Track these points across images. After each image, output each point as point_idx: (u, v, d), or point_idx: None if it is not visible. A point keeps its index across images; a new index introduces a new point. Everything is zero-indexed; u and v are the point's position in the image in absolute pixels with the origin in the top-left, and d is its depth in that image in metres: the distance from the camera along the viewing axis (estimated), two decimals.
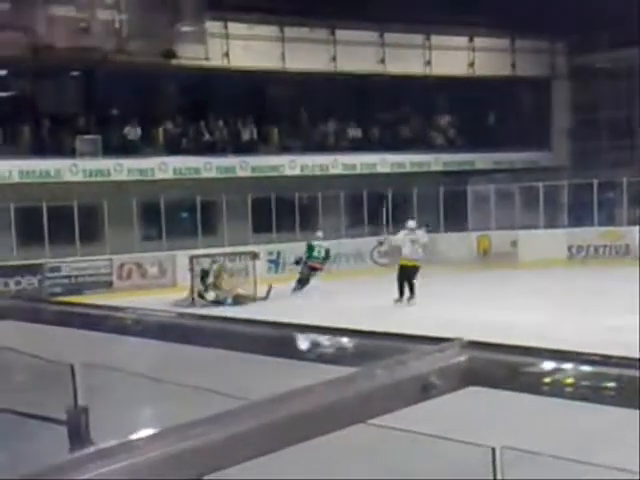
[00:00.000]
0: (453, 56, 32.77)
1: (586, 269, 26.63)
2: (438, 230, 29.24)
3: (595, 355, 1.70)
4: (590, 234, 28.81)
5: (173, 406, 2.33)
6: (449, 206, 30.21)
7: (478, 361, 1.71)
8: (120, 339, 2.53)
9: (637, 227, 28.13)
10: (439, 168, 31.46)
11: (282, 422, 1.48)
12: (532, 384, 1.68)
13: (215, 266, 23.19)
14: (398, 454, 1.89)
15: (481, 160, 32.06)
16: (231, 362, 2.22)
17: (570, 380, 1.66)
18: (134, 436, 1.36)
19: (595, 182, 29.22)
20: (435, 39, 32.54)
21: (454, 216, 29.83)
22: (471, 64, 33.23)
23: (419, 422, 1.77)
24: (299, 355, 2.03)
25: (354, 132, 31.37)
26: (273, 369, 2.11)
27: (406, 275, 21.31)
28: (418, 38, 32.25)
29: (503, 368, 1.71)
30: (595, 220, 29.16)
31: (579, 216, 29.52)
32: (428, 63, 32.45)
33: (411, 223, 22.44)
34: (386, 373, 1.63)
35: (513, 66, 33.97)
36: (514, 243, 29.04)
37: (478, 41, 33.27)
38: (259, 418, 1.46)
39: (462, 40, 33.05)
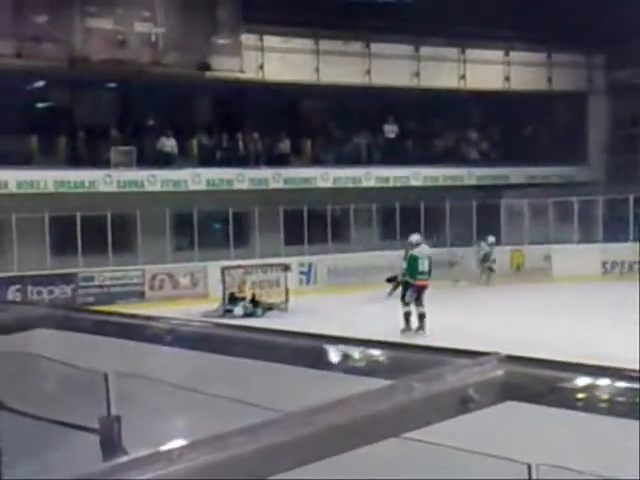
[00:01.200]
0: (488, 70, 32.69)
1: (621, 285, 26.33)
2: (471, 244, 29.13)
3: (634, 371, 1.64)
4: (625, 250, 28.56)
5: (205, 417, 2.32)
6: (482, 220, 30.06)
7: (516, 375, 1.68)
8: (154, 348, 2.53)
9: None
10: (472, 182, 31.37)
11: (316, 434, 1.46)
12: (570, 399, 1.63)
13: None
14: (432, 469, 1.86)
15: (515, 174, 31.92)
16: (264, 373, 2.21)
17: (608, 396, 1.61)
18: (166, 446, 1.34)
19: (631, 197, 29.01)
20: (470, 53, 32.49)
21: (487, 230, 29.65)
22: (507, 78, 33.12)
23: (453, 437, 1.73)
24: (333, 367, 1.99)
25: (389, 140, 31.30)
26: (306, 381, 2.09)
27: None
28: (453, 52, 32.20)
29: (541, 383, 1.67)
30: (630, 236, 28.87)
31: (614, 231, 29.25)
32: (463, 77, 32.39)
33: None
34: (423, 386, 1.61)
35: (549, 80, 33.82)
36: (547, 258, 28.84)
37: (514, 55, 33.17)
38: (294, 430, 1.44)
39: (497, 54, 32.98)
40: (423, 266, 18.77)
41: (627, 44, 30.44)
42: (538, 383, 1.67)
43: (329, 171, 29.41)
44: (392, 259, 28.64)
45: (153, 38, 27.88)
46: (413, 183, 30.36)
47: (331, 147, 30.52)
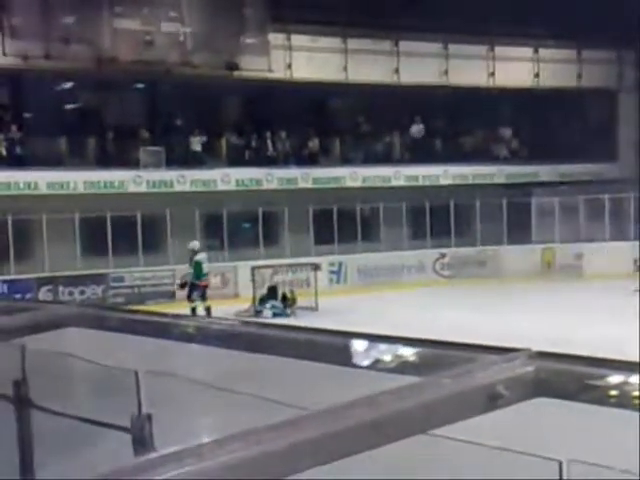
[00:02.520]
0: (517, 67, 32.50)
1: None
2: (502, 242, 29.02)
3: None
4: None
5: (235, 414, 2.32)
6: (512, 218, 29.92)
7: (546, 372, 1.69)
8: (184, 347, 2.53)
9: None
10: (502, 180, 31.18)
11: (346, 431, 1.47)
12: (600, 396, 1.65)
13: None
14: (462, 466, 1.85)
15: (545, 172, 31.71)
16: (295, 371, 2.20)
17: (638, 392, 1.62)
18: (197, 443, 1.36)
19: None
20: (499, 50, 32.31)
21: (518, 228, 29.52)
22: (536, 75, 32.91)
23: (484, 433, 1.72)
24: (363, 365, 2.01)
25: (416, 140, 31.24)
26: (336, 378, 2.09)
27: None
28: (482, 49, 32.04)
29: (571, 379, 1.69)
30: None
31: None
32: (492, 74, 32.22)
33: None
34: (453, 382, 1.62)
35: (579, 77, 33.57)
36: (579, 256, 28.63)
37: (543, 52, 32.95)
38: (324, 426, 1.45)
39: (527, 51, 32.77)
40: (204, 269, 22.01)
41: None
42: (568, 379, 1.68)
43: (358, 170, 29.37)
44: (422, 258, 28.77)
45: (181, 38, 27.94)
46: (442, 182, 30.26)
47: (360, 146, 30.47)
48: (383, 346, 2.03)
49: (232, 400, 2.34)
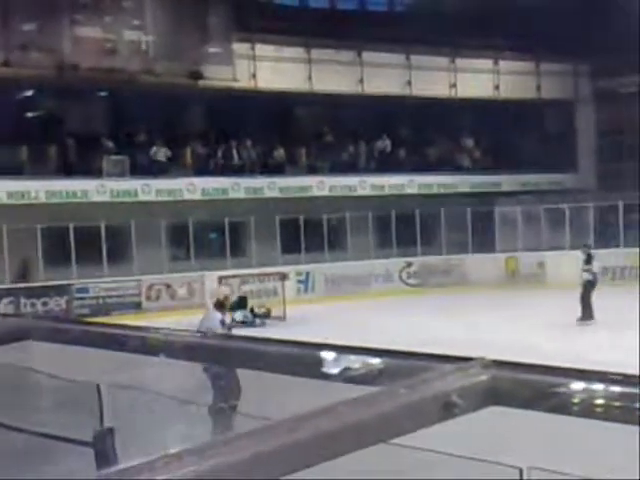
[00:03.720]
0: (478, 79, 32.84)
1: (613, 290, 26.34)
2: (467, 251, 29.20)
3: (622, 375, 1.66)
4: (616, 256, 28.55)
5: (197, 427, 2.31)
6: (477, 227, 30.13)
7: (500, 380, 1.69)
8: (147, 359, 2.51)
9: None
10: (466, 189, 31.39)
11: (305, 442, 1.47)
12: (556, 404, 1.65)
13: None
14: (424, 475, 1.86)
15: (507, 182, 32.02)
16: (257, 382, 2.20)
17: (595, 400, 1.63)
18: (156, 456, 1.34)
19: (621, 204, 29.04)
20: (460, 62, 32.62)
21: (482, 237, 29.75)
22: (496, 87, 33.25)
23: (444, 442, 1.74)
24: (323, 375, 2.00)
25: (383, 152, 31.36)
26: (297, 389, 2.08)
27: None
28: (444, 61, 32.30)
29: (526, 387, 1.69)
30: (621, 242, 28.92)
31: (605, 238, 29.27)
32: (454, 86, 32.49)
33: None
34: (408, 392, 1.62)
35: (538, 89, 33.98)
36: (541, 264, 28.87)
37: (503, 64, 33.33)
38: (282, 438, 1.45)
39: (487, 63, 33.11)
40: None
41: (612, 53, 30.53)
42: (523, 388, 1.67)
43: (324, 179, 29.42)
44: (389, 266, 28.86)
45: (143, 46, 27.92)
46: (408, 191, 30.39)
47: (326, 155, 30.52)
48: (343, 356, 2.02)
49: (194, 412, 2.33)
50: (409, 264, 28.81)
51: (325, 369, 1.99)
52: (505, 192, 31.39)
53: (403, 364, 1.86)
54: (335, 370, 1.96)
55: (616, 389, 1.61)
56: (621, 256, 28.46)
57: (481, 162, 32.69)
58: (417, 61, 31.74)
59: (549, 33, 28.67)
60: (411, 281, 28.76)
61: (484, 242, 29.65)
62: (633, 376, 1.63)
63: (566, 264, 28.02)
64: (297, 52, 30.33)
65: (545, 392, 1.64)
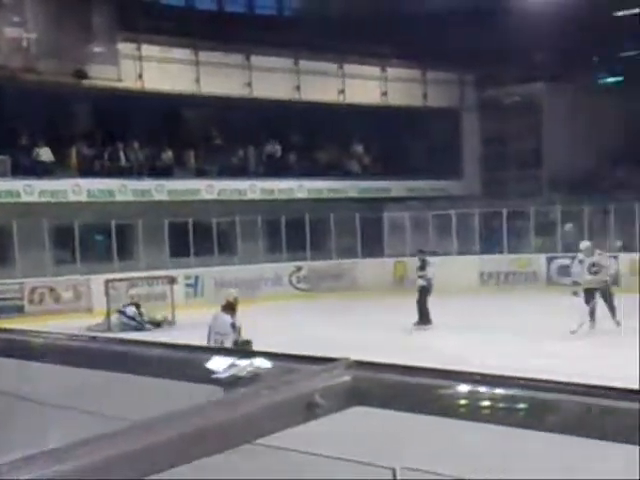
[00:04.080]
0: (366, 85, 33.20)
1: (497, 295, 27.02)
2: (356, 256, 29.39)
3: (489, 376, 1.68)
4: (500, 261, 29.32)
5: (68, 431, 2.22)
6: (366, 232, 30.39)
7: (363, 380, 1.71)
8: (23, 364, 2.43)
9: (544, 255, 28.79)
10: (355, 195, 31.66)
11: (166, 443, 1.45)
12: (419, 403, 1.65)
13: None
14: (294, 476, 1.85)
15: (395, 188, 32.45)
16: (141, 385, 2.11)
17: (460, 400, 1.64)
18: (14, 459, 1.33)
19: (504, 211, 29.77)
20: (348, 68, 32.88)
21: (371, 242, 30.03)
22: (384, 94, 33.70)
23: (312, 443, 1.73)
24: (192, 377, 2.01)
25: (272, 157, 31.32)
26: (171, 392, 2.04)
27: None
28: (332, 67, 32.52)
29: (389, 388, 1.69)
30: (505, 248, 29.68)
31: (490, 243, 30.03)
32: (342, 91, 32.74)
33: None
34: (271, 393, 1.63)
35: (424, 96, 34.60)
36: None
37: (390, 71, 33.78)
38: (142, 439, 1.43)
39: (375, 70, 33.50)
40: None
41: (497, 64, 31.47)
42: (386, 388, 1.69)
43: (213, 183, 29.13)
44: (279, 271, 28.78)
45: (24, 44, 27.00)
46: (298, 195, 30.43)
47: (214, 159, 30.22)
48: (211, 358, 2.03)
49: (68, 417, 2.23)
50: (299, 268, 28.81)
51: (192, 372, 1.99)
52: (394, 198, 31.82)
53: (272, 366, 1.88)
54: (202, 373, 1.95)
55: (479, 389, 1.62)
56: (505, 262, 29.21)
57: (370, 168, 33.05)
58: (305, 66, 31.85)
59: (435, 42, 29.26)
60: (301, 285, 28.76)
61: (373, 247, 29.93)
62: (500, 376, 1.65)
63: (452, 269, 28.65)
64: (185, 54, 30.00)
65: (406, 392, 1.66)
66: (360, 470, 1.60)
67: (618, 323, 17.99)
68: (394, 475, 1.56)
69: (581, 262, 19.04)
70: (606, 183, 30.14)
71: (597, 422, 1.53)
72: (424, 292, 20.96)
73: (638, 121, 32.58)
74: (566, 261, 27.41)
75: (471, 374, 1.66)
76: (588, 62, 35.38)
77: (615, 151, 32.52)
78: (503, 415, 1.61)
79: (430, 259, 21.95)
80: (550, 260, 28.27)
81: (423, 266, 21.38)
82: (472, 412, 1.61)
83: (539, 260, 28.90)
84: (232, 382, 1.84)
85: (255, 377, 1.83)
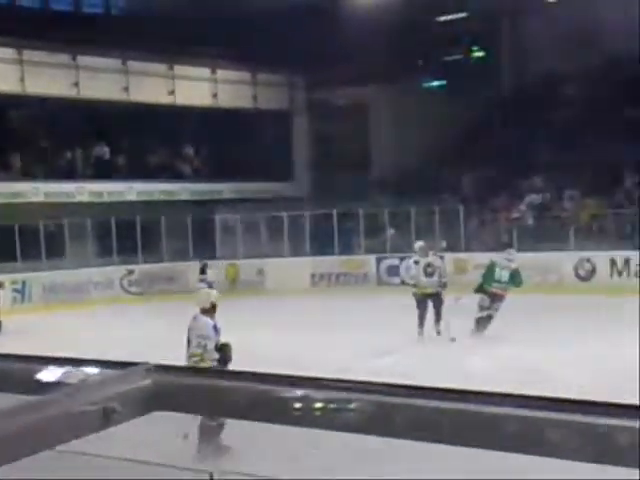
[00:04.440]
0: (196, 87, 32.99)
1: (328, 296, 27.29)
2: (188, 259, 29.18)
3: (298, 377, 1.66)
4: (332, 262, 29.70)
5: None
6: (198, 235, 30.18)
7: (164, 385, 1.67)
8: None
9: (373, 256, 29.32)
10: (187, 197, 31.43)
11: None
12: (221, 406, 1.63)
13: None
14: None
15: (227, 190, 32.40)
16: None
17: (266, 402, 1.63)
18: None
19: (334, 212, 30.20)
20: (178, 69, 32.62)
21: (203, 245, 29.82)
22: (214, 95, 33.61)
23: (116, 449, 1.67)
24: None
25: (101, 159, 30.69)
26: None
27: None
28: (161, 67, 32.18)
29: (190, 392, 1.67)
30: (336, 249, 30.08)
31: (321, 245, 30.36)
32: (172, 93, 32.45)
33: None
34: (68, 399, 1.59)
35: (255, 98, 34.71)
36: (261, 271, 29.46)
37: (220, 73, 33.71)
38: None
39: (205, 71, 33.36)
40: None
41: (325, 66, 31.90)
42: (188, 392, 1.67)
43: (40, 185, 28.28)
44: (110, 274, 28.24)
45: None
46: (128, 198, 29.93)
47: (41, 160, 29.33)
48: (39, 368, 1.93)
49: None
50: (130, 272, 28.37)
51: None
52: (225, 200, 31.75)
53: (74, 371, 1.81)
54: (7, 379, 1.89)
55: (292, 390, 1.61)
56: (336, 263, 29.62)
57: (202, 170, 32.87)
58: (134, 67, 31.40)
59: (264, 44, 29.35)
60: (133, 289, 28.32)
61: (205, 250, 29.77)
62: (321, 379, 1.65)
63: (285, 271, 28.92)
64: (7, 53, 29.01)
65: (207, 395, 1.65)
66: (178, 474, 1.53)
67: (439, 332, 17.32)
68: (211, 476, 1.49)
69: (416, 263, 18.16)
70: (431, 185, 31.04)
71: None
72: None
73: (461, 124, 33.82)
74: (395, 261, 28.24)
75: (280, 376, 1.62)
76: (413, 66, 36.37)
77: (440, 153, 33.56)
78: (313, 417, 1.58)
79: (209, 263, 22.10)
80: (379, 261, 28.84)
81: (204, 270, 21.66)
82: (277, 413, 1.57)
83: (369, 261, 29.41)
84: (33, 389, 1.74)
85: (56, 384, 1.74)
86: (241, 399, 1.61)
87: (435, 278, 17.72)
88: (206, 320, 9.79)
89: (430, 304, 17.62)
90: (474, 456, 1.50)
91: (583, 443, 1.48)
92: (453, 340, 16.51)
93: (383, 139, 34.38)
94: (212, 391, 1.61)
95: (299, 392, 1.60)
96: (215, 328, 9.75)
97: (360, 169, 34.11)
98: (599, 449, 1.45)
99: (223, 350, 9.61)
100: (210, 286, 20.88)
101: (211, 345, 9.60)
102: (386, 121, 34.36)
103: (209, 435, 1.78)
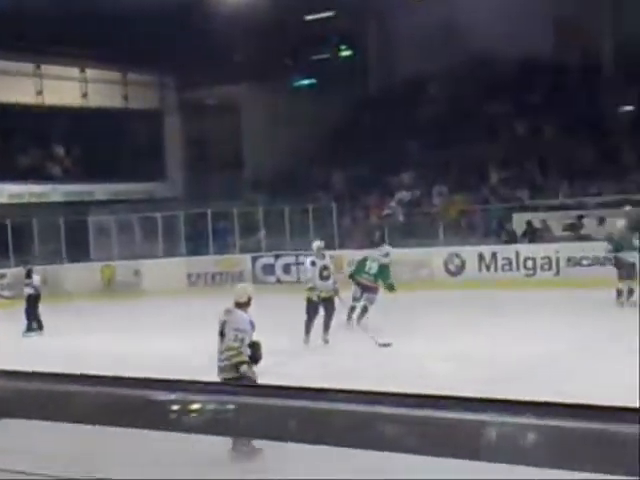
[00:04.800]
0: (66, 86, 32.53)
1: (205, 296, 27.28)
2: (62, 261, 28.76)
3: (184, 382, 1.65)
4: (207, 262, 29.72)
5: None
6: (71, 237, 29.73)
7: (4, 391, 1.62)
8: None
9: (249, 255, 29.49)
10: (59, 199, 30.93)
11: None
12: (67, 411, 1.58)
13: None
14: None
15: (100, 191, 32.06)
16: None
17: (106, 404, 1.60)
18: None
19: (209, 212, 30.24)
20: (46, 69, 32.08)
21: (77, 247, 29.43)
22: (84, 95, 33.20)
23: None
24: None
25: None
26: None
27: None
28: (29, 67, 31.58)
29: (34, 397, 1.61)
30: (211, 249, 30.15)
31: (196, 245, 30.38)
32: (40, 93, 31.89)
33: None
34: None
35: (125, 98, 34.42)
36: (137, 272, 29.27)
37: (90, 72, 33.32)
38: None
39: (74, 71, 32.91)
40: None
41: (195, 66, 31.92)
42: (32, 398, 1.61)
43: None
44: None
45: None
46: None
47: None
48: None
49: None
50: (2, 276, 27.76)
51: None
52: (99, 201, 31.42)
53: None
54: None
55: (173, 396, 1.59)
56: (211, 262, 29.66)
57: (73, 171, 32.39)
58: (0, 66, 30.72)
59: (133, 44, 29.18)
60: (5, 293, 27.72)
61: (79, 251, 29.39)
62: (180, 381, 1.65)
63: (160, 272, 28.82)
64: None
65: (53, 400, 1.60)
66: None
67: (327, 341, 16.51)
68: None
69: (313, 264, 16.89)
70: (304, 183, 31.47)
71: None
72: (32, 300, 20.99)
73: (332, 122, 34.35)
74: (271, 260, 28.54)
75: (135, 380, 1.57)
76: (282, 65, 36.68)
77: (312, 152, 34.02)
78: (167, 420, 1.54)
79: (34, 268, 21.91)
80: (255, 259, 29.03)
81: (29, 274, 21.54)
82: (113, 417, 1.52)
83: (245, 260, 29.52)
84: None
85: None
86: (91, 404, 1.54)
87: (330, 282, 16.67)
88: (242, 314, 9.49)
89: (322, 310, 16.58)
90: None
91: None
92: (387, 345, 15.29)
93: (255, 138, 34.63)
94: (58, 397, 1.51)
95: (156, 395, 1.53)
96: (251, 323, 9.45)
97: (234, 168, 34.28)
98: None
99: (254, 347, 9.26)
100: (36, 290, 20.95)
101: (248, 340, 9.27)
102: (258, 120, 34.61)
103: None
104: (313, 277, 16.71)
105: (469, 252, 25.91)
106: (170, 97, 35.75)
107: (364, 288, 18.05)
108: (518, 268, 25.04)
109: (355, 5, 34.54)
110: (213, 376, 8.81)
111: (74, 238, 29.76)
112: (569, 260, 24.27)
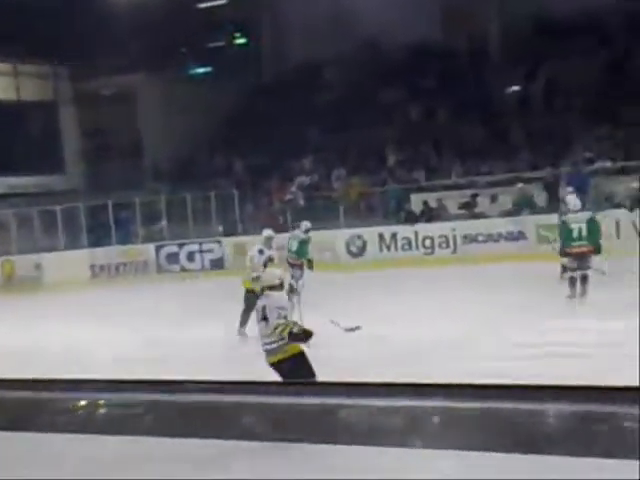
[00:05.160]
0: None
1: (109, 287, 27.22)
2: None
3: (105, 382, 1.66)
4: (110, 253, 29.59)
5: None
6: None
7: None
8: None
9: (152, 244, 29.44)
10: None
11: None
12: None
13: None
14: None
15: None
16: None
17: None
18: None
19: (110, 203, 30.10)
20: None
21: None
22: None
23: None
24: None
25: None
26: None
27: None
28: None
29: None
30: (114, 239, 30.02)
31: (98, 236, 30.20)
32: None
33: None
34: None
35: (18, 90, 33.88)
36: (38, 266, 29.01)
37: None
38: None
39: None
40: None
41: (89, 56, 31.64)
42: None
43: None
44: None
45: None
46: None
47: None
48: None
49: None
50: None
51: None
52: None
53: None
54: None
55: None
56: (114, 253, 29.54)
57: None
58: None
59: (23, 34, 28.74)
60: None
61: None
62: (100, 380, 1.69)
63: (62, 265, 28.61)
64: None
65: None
66: None
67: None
68: None
69: (261, 253, 16.16)
70: (205, 171, 31.58)
71: None
72: None
73: (229, 110, 34.50)
74: (174, 249, 28.62)
75: (45, 381, 1.56)
76: (178, 53, 36.62)
77: (211, 139, 34.14)
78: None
79: None
80: (159, 249, 29.01)
81: None
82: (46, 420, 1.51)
83: (148, 250, 29.45)
84: None
85: None
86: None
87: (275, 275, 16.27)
88: (281, 293, 9.84)
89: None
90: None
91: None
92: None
93: (154, 127, 34.54)
94: None
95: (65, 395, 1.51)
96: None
97: (133, 158, 34.13)
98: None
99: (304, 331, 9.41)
100: None
101: (289, 317, 9.55)
102: (155, 109, 34.53)
103: None
104: (258, 266, 15.62)
105: (370, 233, 26.41)
106: (65, 88, 35.31)
107: (291, 266, 18.31)
108: (417, 247, 25.65)
109: None
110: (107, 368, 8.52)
111: None
112: (465, 237, 24.99)
